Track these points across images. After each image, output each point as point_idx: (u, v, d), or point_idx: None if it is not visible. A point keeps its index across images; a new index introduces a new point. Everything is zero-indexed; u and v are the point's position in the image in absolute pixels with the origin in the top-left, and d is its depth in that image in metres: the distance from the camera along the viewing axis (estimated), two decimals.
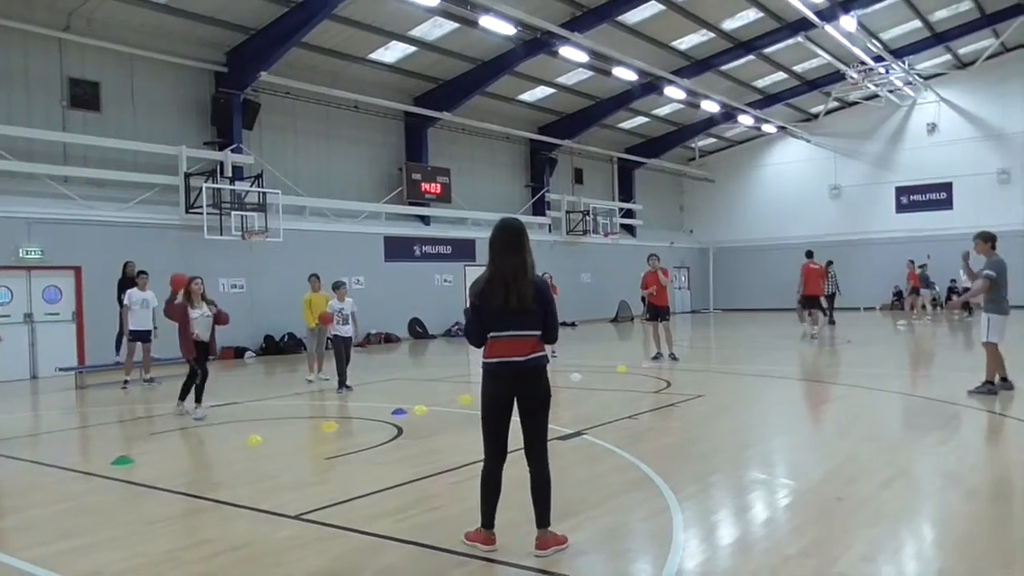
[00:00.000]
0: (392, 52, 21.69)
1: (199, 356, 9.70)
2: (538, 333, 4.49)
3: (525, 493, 4.50)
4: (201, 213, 17.56)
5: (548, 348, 4.66)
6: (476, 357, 15.96)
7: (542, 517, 4.43)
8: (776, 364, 14.90)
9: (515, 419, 4.49)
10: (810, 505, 5.40)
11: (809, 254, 20.64)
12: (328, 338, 12.53)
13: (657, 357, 14.86)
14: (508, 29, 19.44)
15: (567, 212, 29.48)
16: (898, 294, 31.30)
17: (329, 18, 18.38)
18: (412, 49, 21.62)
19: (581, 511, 5.23)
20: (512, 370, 4.42)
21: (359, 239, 22.02)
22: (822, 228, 33.00)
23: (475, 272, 25.66)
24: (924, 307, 25.50)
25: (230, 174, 18.67)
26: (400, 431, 8.45)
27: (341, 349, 11.95)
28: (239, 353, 18.61)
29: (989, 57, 29.42)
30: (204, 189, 17.60)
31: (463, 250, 25.39)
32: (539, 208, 28.98)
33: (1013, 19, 25.86)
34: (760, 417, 9.33)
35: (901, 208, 32.39)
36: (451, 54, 22.26)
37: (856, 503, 5.31)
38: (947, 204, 31.24)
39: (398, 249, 23.25)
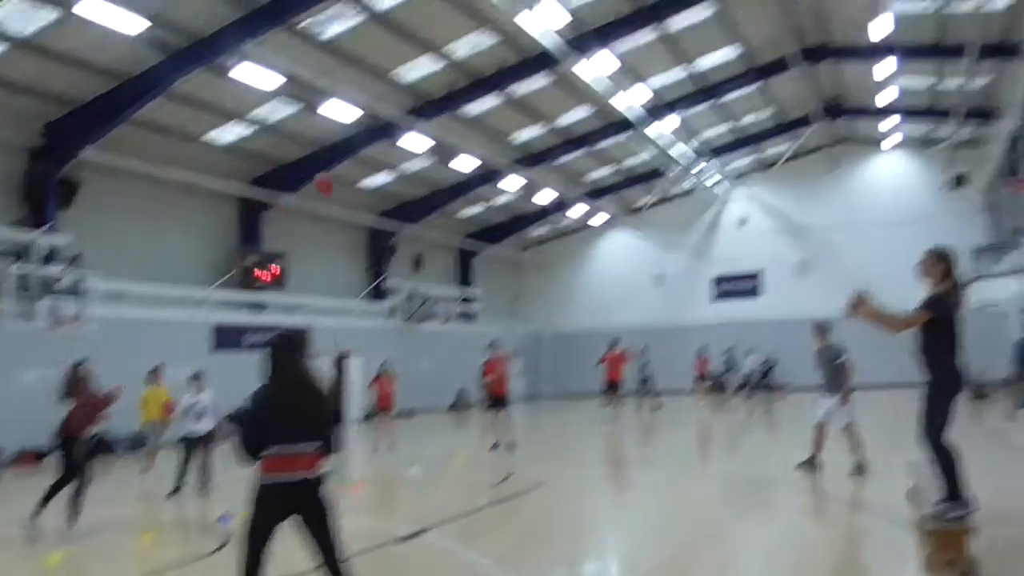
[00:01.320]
0: (229, 133, 21.13)
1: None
2: (318, 444, 4.35)
3: None
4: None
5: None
6: None
7: None
8: (607, 450, 15.30)
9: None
10: None
11: (614, 342, 21.70)
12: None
13: (495, 446, 14.75)
14: (351, 115, 19.57)
15: (407, 298, 29.39)
16: (713, 379, 32.85)
17: (164, 95, 17.72)
18: (250, 130, 21.19)
19: None
20: (286, 489, 4.22)
21: (185, 328, 20.74)
22: (647, 315, 34.83)
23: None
24: (725, 390, 27.60)
25: (42, 256, 17.15)
26: (227, 540, 7.85)
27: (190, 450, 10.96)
28: (40, 456, 16.44)
29: (789, 159, 32.83)
30: (7, 272, 16.05)
31: None
32: (378, 293, 28.74)
33: (806, 127, 29.11)
34: (598, 505, 9.48)
35: (717, 296, 34.91)
36: (292, 137, 22.02)
37: None
38: (756, 292, 34.02)
39: (228, 338, 21.93)
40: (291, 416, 4.22)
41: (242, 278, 22.78)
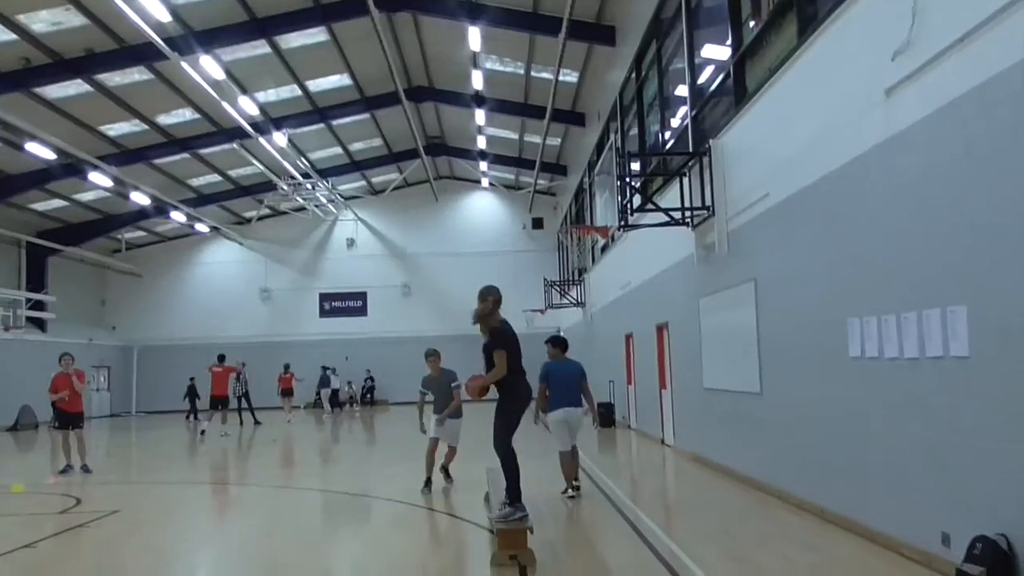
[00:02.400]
0: None
1: None
2: None
3: None
4: None
5: None
6: None
7: None
8: (201, 470, 14.48)
9: None
10: None
11: (221, 358, 22.11)
12: None
13: (66, 470, 13.11)
14: None
15: None
16: (318, 394, 33.50)
17: None
18: None
19: None
20: None
21: None
22: (254, 329, 33.91)
23: None
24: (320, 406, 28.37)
25: None
26: None
27: None
28: None
29: (396, 188, 34.52)
30: None
31: None
32: None
33: (412, 160, 30.95)
34: (183, 529, 8.91)
35: (324, 313, 35.25)
36: None
37: None
38: (363, 311, 35.09)
39: None
40: None
41: None
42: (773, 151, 8.83)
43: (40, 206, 28.14)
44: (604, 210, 14.55)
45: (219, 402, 20.90)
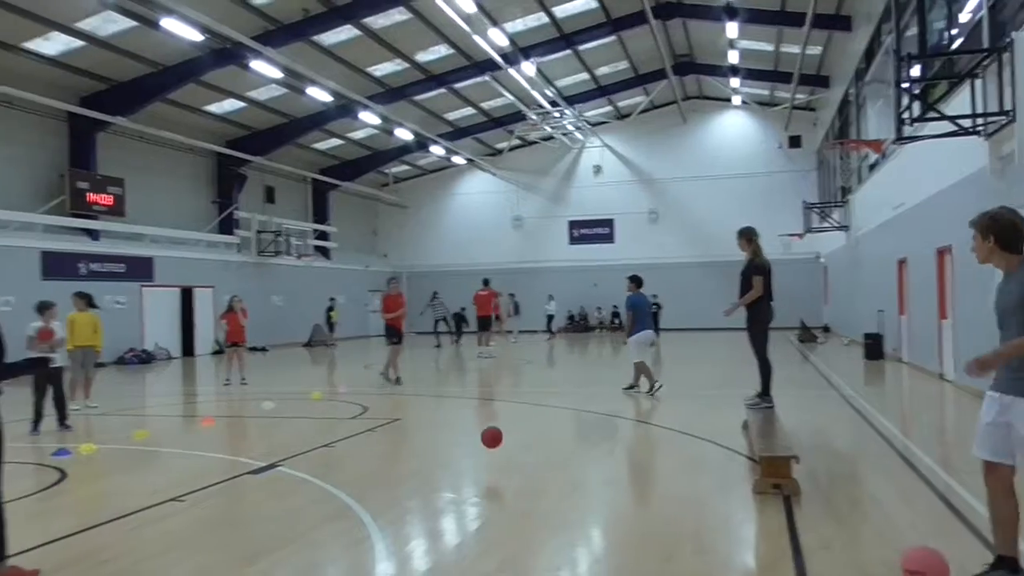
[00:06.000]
0: (54, 44, 19.22)
1: None
2: None
3: None
4: None
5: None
6: (156, 388, 14.54)
7: None
8: (465, 385, 15.58)
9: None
10: (502, 522, 5.71)
11: (486, 282, 22.81)
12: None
13: (399, 380, 14.82)
14: (194, 35, 18.23)
15: (258, 232, 28.23)
16: (571, 318, 34.73)
17: None
18: (79, 43, 19.35)
19: (275, 549, 5.00)
20: None
21: (8, 254, 19.06)
22: (506, 256, 35.43)
23: (153, 292, 23.61)
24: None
25: None
26: (63, 474, 7.43)
27: (46, 382, 10.17)
28: None
29: (642, 111, 33.84)
30: None
31: (139, 269, 23.12)
32: (227, 226, 27.41)
33: (659, 81, 30.04)
34: (452, 438, 9.67)
35: (573, 240, 35.89)
36: (128, 54, 20.30)
37: (541, 516, 5.72)
38: (610, 238, 35.25)
39: (59, 266, 20.43)
40: None
41: (73, 203, 21.06)
42: None
43: (320, 145, 31.25)
44: (876, 122, 13.18)
45: (484, 322, 22.00)
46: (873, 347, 17.67)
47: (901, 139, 11.35)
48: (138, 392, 16.10)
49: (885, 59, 11.79)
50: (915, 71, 13.64)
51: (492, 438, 7.59)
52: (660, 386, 12.18)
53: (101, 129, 21.97)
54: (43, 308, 10.50)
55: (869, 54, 18.71)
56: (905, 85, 10.91)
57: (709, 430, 8.83)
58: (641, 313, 12.30)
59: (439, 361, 21.33)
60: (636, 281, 12.48)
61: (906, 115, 10.82)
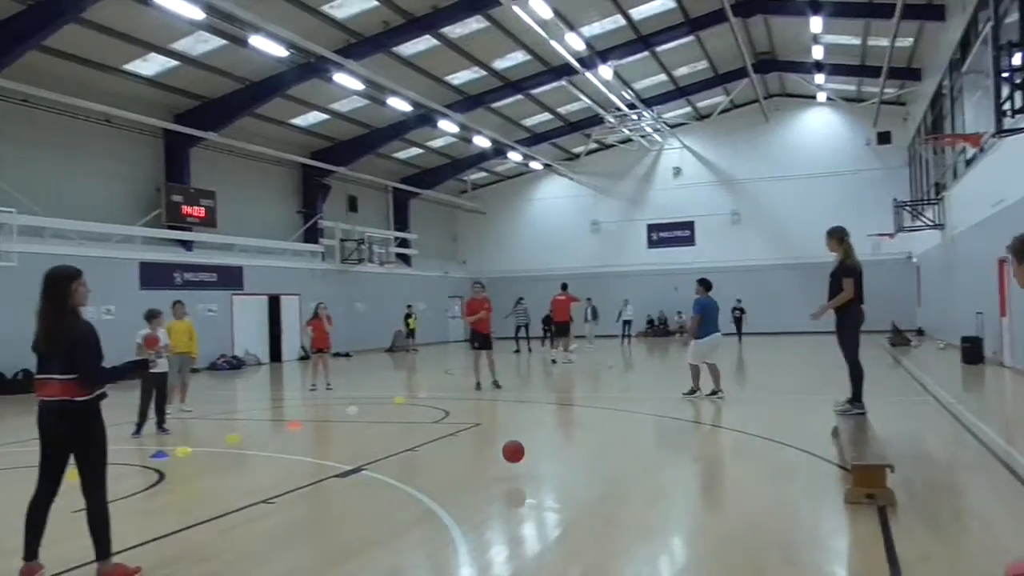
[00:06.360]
0: (151, 65, 20.20)
1: None
2: (68, 377, 4.51)
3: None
4: None
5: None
6: (246, 393, 14.99)
7: (96, 548, 4.60)
8: (546, 390, 15.57)
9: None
10: (585, 529, 5.66)
11: (564, 286, 22.64)
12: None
13: (479, 386, 14.82)
14: (279, 51, 18.85)
15: (341, 240, 28.96)
16: (651, 322, 34.39)
17: (76, 22, 16.75)
18: (173, 63, 20.27)
19: (363, 550, 5.10)
20: (43, 410, 4.58)
21: (110, 264, 20.03)
22: (583, 260, 35.29)
23: (243, 300, 24.47)
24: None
25: None
26: (162, 476, 7.77)
27: (152, 387, 10.77)
28: None
29: (722, 111, 33.21)
30: None
31: (229, 277, 24.03)
32: (312, 235, 28.22)
33: (739, 80, 29.42)
34: (533, 443, 9.66)
35: (652, 243, 35.47)
36: (217, 71, 21.16)
37: (625, 524, 5.65)
38: (690, 241, 34.68)
39: (156, 276, 21.46)
40: (38, 347, 4.57)
41: (169, 216, 22.06)
42: None
43: (401, 155, 31.84)
44: (973, 115, 12.59)
45: (562, 328, 21.89)
46: (971, 351, 16.84)
47: (1001, 132, 10.83)
48: (229, 397, 16.69)
49: (983, 48, 11.28)
50: (1016, 60, 12.96)
51: (513, 452, 7.46)
52: (716, 392, 12.18)
53: (194, 144, 22.95)
54: (151, 316, 11.06)
55: (965, 44, 17.87)
56: (1005, 75, 10.42)
57: (797, 437, 8.57)
58: (710, 316, 12.48)
59: (519, 366, 21.39)
60: (705, 284, 12.66)
61: (1007, 106, 10.31)
